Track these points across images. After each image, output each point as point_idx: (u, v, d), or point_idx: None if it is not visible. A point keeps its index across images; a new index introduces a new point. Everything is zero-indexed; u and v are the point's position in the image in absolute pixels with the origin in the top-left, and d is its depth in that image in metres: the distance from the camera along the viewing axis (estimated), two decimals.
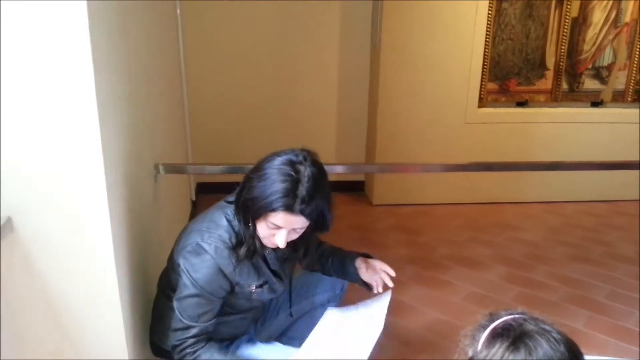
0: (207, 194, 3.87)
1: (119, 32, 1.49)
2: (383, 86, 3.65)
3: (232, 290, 1.50)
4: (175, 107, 3.13)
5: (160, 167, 1.98)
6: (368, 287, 1.76)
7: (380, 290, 1.74)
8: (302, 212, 1.34)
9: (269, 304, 1.80)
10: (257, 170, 1.39)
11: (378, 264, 1.76)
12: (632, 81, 3.96)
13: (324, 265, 1.84)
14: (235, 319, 1.62)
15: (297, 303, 1.80)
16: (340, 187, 4.12)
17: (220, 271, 1.44)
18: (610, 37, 3.85)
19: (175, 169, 2.34)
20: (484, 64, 3.71)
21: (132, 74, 1.68)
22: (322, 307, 1.82)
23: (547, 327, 0.90)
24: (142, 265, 1.66)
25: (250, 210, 1.38)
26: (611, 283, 2.86)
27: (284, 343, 1.75)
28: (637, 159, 3.72)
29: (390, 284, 1.72)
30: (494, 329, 0.92)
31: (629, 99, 4.00)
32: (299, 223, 1.37)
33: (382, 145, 3.78)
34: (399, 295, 2.66)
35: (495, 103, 3.87)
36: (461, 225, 3.62)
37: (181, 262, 1.45)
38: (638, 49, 3.87)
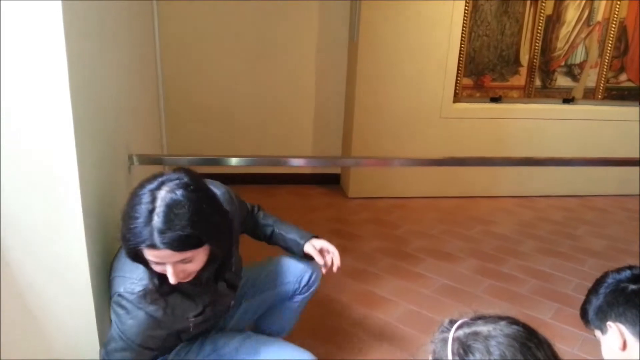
0: None
1: (93, 24, 1.47)
2: (360, 80, 3.67)
3: (171, 331, 1.42)
4: (151, 100, 3.09)
5: (134, 158, 1.96)
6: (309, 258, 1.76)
7: (322, 262, 1.72)
8: (166, 245, 1.18)
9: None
10: (125, 205, 1.25)
11: (331, 248, 1.74)
12: (603, 79, 4.04)
13: (266, 237, 1.81)
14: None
15: (258, 293, 1.76)
16: (316, 180, 4.14)
17: (150, 319, 1.33)
18: (583, 35, 3.92)
19: (149, 160, 2.31)
20: (459, 60, 3.75)
21: (106, 66, 1.66)
22: (290, 300, 1.80)
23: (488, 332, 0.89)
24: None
25: (127, 247, 1.24)
26: (579, 276, 2.93)
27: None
28: (608, 156, 3.82)
29: (335, 269, 1.72)
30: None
31: (600, 96, 4.09)
32: (175, 256, 1.21)
33: (358, 139, 3.79)
34: (373, 287, 2.69)
35: (470, 98, 3.92)
36: (436, 218, 3.67)
37: (112, 312, 1.35)
38: (609, 48, 3.96)
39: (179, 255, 1.21)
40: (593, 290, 1.37)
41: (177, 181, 1.23)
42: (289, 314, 1.86)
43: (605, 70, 4.02)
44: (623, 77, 4.10)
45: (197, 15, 3.63)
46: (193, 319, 1.44)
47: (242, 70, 3.81)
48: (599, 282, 1.37)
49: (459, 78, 3.80)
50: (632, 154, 3.85)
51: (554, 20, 3.84)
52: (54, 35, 1.12)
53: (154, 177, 1.25)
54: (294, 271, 1.78)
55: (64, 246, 1.27)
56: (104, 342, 1.38)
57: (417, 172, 3.94)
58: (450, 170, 3.95)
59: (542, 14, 3.78)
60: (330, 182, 4.18)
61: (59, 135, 1.19)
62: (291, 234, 1.76)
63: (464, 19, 3.64)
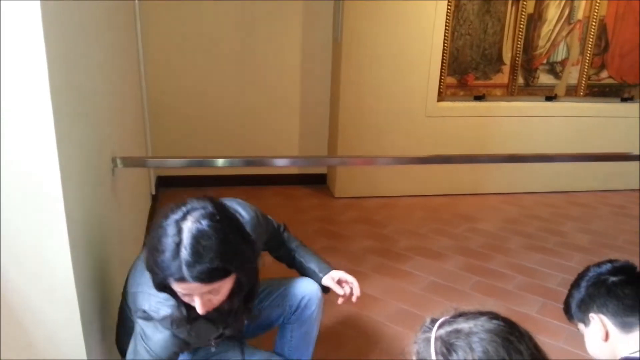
0: (168, 187, 3.82)
1: (73, 25, 1.46)
2: (345, 80, 3.67)
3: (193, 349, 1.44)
4: (134, 102, 3.07)
5: (118, 161, 1.95)
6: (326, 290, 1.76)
7: (341, 293, 1.72)
8: (195, 279, 1.18)
9: None
10: (149, 235, 1.26)
11: (350, 279, 1.75)
12: (585, 76, 4.09)
13: (288, 265, 1.82)
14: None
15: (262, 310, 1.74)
16: (302, 180, 4.14)
17: (175, 339, 1.35)
18: (564, 33, 3.97)
19: (133, 162, 2.31)
20: (443, 59, 3.77)
21: (88, 67, 1.65)
22: (287, 325, 1.77)
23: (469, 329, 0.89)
24: (101, 261, 1.63)
25: (155, 279, 1.25)
26: (565, 271, 2.96)
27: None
28: (591, 151, 3.87)
29: (354, 299, 1.73)
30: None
31: (582, 93, 4.14)
32: (204, 288, 1.22)
33: (343, 138, 3.80)
34: (362, 287, 2.69)
35: (454, 97, 3.94)
36: (423, 216, 3.69)
37: (137, 324, 1.36)
38: (590, 45, 4.01)
39: (207, 287, 1.22)
40: (575, 285, 1.39)
41: (202, 211, 1.22)
42: (296, 343, 1.81)
43: (586, 67, 4.07)
44: (604, 74, 4.15)
45: (180, 17, 3.61)
46: (214, 340, 1.46)
47: (226, 72, 3.80)
48: (580, 276, 1.39)
49: (442, 77, 3.82)
50: (615, 149, 3.90)
51: (536, 19, 3.88)
52: (33, 35, 1.11)
53: (177, 207, 1.24)
54: (286, 292, 1.74)
55: (47, 250, 1.26)
56: (127, 355, 1.39)
57: (404, 171, 3.96)
58: (436, 168, 3.97)
59: (523, 13, 3.82)
60: (317, 182, 4.18)
61: (39, 137, 1.17)
62: (311, 264, 1.77)
63: (446, 18, 3.66)
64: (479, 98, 3.99)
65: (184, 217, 1.21)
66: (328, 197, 3.99)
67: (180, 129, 3.83)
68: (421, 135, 3.86)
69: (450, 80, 3.89)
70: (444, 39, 3.72)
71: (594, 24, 3.94)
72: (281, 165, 3.50)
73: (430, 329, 0.92)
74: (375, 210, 3.76)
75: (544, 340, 2.31)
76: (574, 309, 1.38)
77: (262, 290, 1.72)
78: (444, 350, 0.87)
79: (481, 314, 0.92)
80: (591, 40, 3.99)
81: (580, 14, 3.93)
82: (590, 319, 1.33)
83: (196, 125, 3.86)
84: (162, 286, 1.26)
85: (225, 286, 1.26)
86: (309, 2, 3.75)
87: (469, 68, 3.90)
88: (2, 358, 1.24)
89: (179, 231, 1.18)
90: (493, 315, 0.92)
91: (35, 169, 1.19)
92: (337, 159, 3.74)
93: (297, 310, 1.72)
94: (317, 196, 3.99)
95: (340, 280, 1.75)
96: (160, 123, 3.73)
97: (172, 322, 1.32)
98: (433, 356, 0.89)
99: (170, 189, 3.81)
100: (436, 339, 0.90)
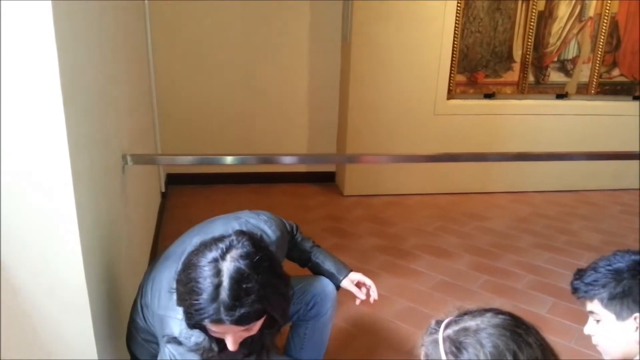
0: (177, 185, 3.84)
1: (84, 23, 1.46)
2: (354, 78, 3.67)
3: None
4: (144, 100, 3.08)
5: (128, 158, 1.95)
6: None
7: (362, 297, 1.73)
8: (234, 322, 1.16)
9: None
10: (183, 273, 1.22)
11: (367, 281, 1.75)
12: (596, 74, 4.06)
13: (302, 266, 1.83)
14: None
15: None
16: (311, 178, 4.14)
17: None
18: (575, 31, 3.93)
19: (143, 159, 2.31)
20: (452, 56, 3.75)
21: (99, 65, 1.65)
22: (298, 326, 1.77)
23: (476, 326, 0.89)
24: (111, 259, 1.63)
25: (188, 319, 1.23)
26: (575, 270, 2.94)
27: None
28: (602, 150, 3.83)
29: (371, 301, 1.74)
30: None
31: (593, 91, 4.10)
32: (240, 328, 1.21)
33: (352, 136, 3.79)
34: None
35: (463, 95, 3.92)
36: (431, 215, 3.67)
37: (164, 347, 1.35)
38: (601, 43, 3.97)
39: (243, 328, 1.21)
40: (614, 271, 1.25)
41: (240, 250, 1.18)
42: (308, 343, 1.80)
43: (597, 65, 4.03)
44: (615, 72, 4.11)
45: (189, 15, 3.62)
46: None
47: (235, 70, 3.80)
48: (617, 264, 1.25)
49: (452, 75, 3.81)
50: (626, 148, 3.86)
51: (546, 16, 3.85)
52: (44, 34, 1.11)
53: (213, 243, 1.21)
54: (304, 288, 1.73)
55: (58, 248, 1.26)
56: None
57: (412, 169, 3.95)
58: (445, 166, 3.96)
59: (534, 10, 3.79)
60: (326, 180, 4.17)
61: (51, 135, 1.17)
62: (327, 265, 1.77)
63: (456, 16, 3.64)
64: (489, 96, 3.96)
65: (222, 257, 1.17)
66: (336, 195, 3.98)
67: (189, 126, 3.84)
68: (430, 133, 3.85)
69: (460, 78, 3.87)
70: (454, 37, 3.70)
71: (605, 21, 3.91)
72: (290, 162, 3.49)
73: (437, 330, 0.92)
74: (383, 208, 3.76)
75: (555, 340, 2.29)
76: (608, 296, 1.24)
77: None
78: (454, 350, 0.87)
79: (485, 310, 0.92)
80: (602, 37, 3.95)
81: (591, 11, 3.90)
82: (633, 319, 1.21)
83: (205, 124, 3.86)
84: (195, 325, 1.24)
85: (259, 324, 1.25)
86: (318, 2, 3.74)
87: (479, 66, 3.88)
88: (12, 359, 1.25)
89: (218, 272, 1.15)
90: (498, 311, 0.92)
91: (47, 167, 1.20)
92: (346, 157, 3.73)
93: (312, 309, 1.72)
94: (326, 194, 3.98)
95: (358, 283, 1.75)
96: (170, 121, 3.74)
97: (203, 351, 1.31)
98: (443, 356, 0.88)
99: (180, 187, 3.83)
100: (444, 339, 0.89)
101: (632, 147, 3.84)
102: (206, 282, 1.15)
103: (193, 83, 3.78)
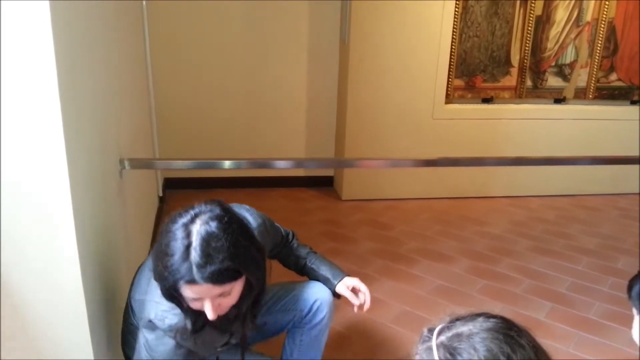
0: (175, 189, 3.83)
1: (83, 26, 1.46)
2: (352, 82, 3.67)
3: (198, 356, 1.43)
4: (141, 103, 3.08)
5: (126, 162, 1.95)
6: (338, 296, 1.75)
7: (357, 303, 1.71)
8: (206, 279, 1.17)
9: None
10: (157, 242, 1.25)
11: (363, 287, 1.73)
12: (594, 79, 4.06)
13: (299, 272, 1.80)
14: None
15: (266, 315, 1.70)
16: (309, 182, 4.13)
17: (180, 348, 1.35)
18: (573, 35, 3.94)
19: (141, 164, 2.31)
20: (450, 61, 3.75)
21: (96, 69, 1.65)
22: (286, 327, 1.74)
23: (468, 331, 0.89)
24: (107, 263, 1.63)
25: (163, 285, 1.24)
26: (573, 275, 2.94)
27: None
28: (600, 155, 3.84)
29: (364, 309, 1.73)
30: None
31: (591, 96, 4.11)
32: (215, 290, 1.21)
33: (351, 140, 3.79)
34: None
35: (461, 99, 3.93)
36: (429, 219, 3.67)
37: (141, 333, 1.36)
38: (599, 48, 3.98)
39: (218, 289, 1.21)
40: None
41: (210, 213, 1.22)
42: (304, 349, 1.78)
43: (595, 70, 4.04)
44: (613, 76, 4.12)
45: (187, 17, 3.62)
46: (220, 349, 1.46)
47: (232, 73, 3.80)
48: None
49: (450, 79, 3.81)
50: (624, 152, 3.87)
51: (544, 21, 3.86)
52: (42, 36, 1.11)
53: (185, 211, 1.24)
54: (299, 295, 1.72)
55: (54, 251, 1.26)
56: None
57: (410, 173, 3.95)
58: (444, 171, 3.96)
59: (531, 15, 3.80)
60: (324, 184, 4.17)
61: (48, 139, 1.17)
62: (323, 270, 1.75)
63: (454, 20, 3.65)
64: (486, 100, 3.97)
65: (192, 220, 1.21)
66: (334, 200, 3.98)
67: (187, 130, 3.84)
68: (428, 138, 3.85)
69: (458, 82, 3.87)
70: (452, 41, 3.70)
71: (603, 25, 3.92)
72: (287, 167, 3.50)
73: (430, 338, 0.91)
74: (381, 212, 3.75)
75: (553, 345, 2.29)
76: None
77: (272, 295, 1.71)
78: (448, 356, 0.87)
79: (477, 315, 0.92)
80: (600, 42, 3.96)
81: (589, 16, 3.91)
82: None
83: (203, 127, 3.86)
84: (171, 293, 1.25)
85: (235, 289, 1.26)
86: (316, 4, 3.75)
87: (477, 70, 3.88)
88: (8, 359, 1.25)
89: (188, 234, 1.18)
90: (489, 315, 0.92)
91: (44, 171, 1.19)
92: (343, 161, 3.73)
93: (307, 315, 1.70)
94: (324, 198, 3.98)
95: (354, 289, 1.73)
96: (168, 125, 3.74)
97: (177, 332, 1.32)
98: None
99: (177, 191, 3.82)
100: (438, 346, 0.89)
101: (630, 152, 3.85)
102: (177, 244, 1.18)
103: (190, 87, 3.77)
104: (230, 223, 1.23)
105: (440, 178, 4.01)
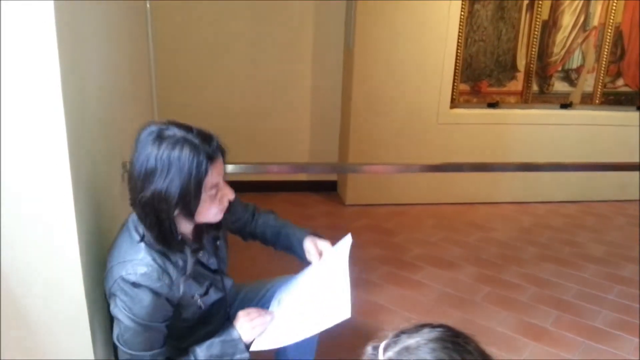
0: None
1: (87, 28, 1.45)
2: (356, 86, 3.65)
3: (177, 309, 1.40)
4: (145, 107, 3.07)
5: (129, 166, 1.93)
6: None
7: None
8: (220, 150, 1.34)
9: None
10: (151, 174, 1.24)
11: (327, 247, 1.72)
12: (600, 84, 4.03)
13: (264, 235, 1.77)
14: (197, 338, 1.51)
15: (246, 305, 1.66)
16: (312, 186, 4.11)
17: (158, 296, 1.31)
18: (579, 40, 3.92)
19: None
20: (456, 65, 3.73)
21: (100, 72, 1.64)
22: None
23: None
24: None
25: (185, 203, 1.25)
26: (580, 283, 2.90)
27: None
28: (607, 160, 3.80)
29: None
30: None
31: (597, 101, 4.08)
32: (221, 167, 1.35)
33: (355, 145, 3.77)
34: (371, 296, 2.66)
35: (467, 104, 3.90)
36: (434, 225, 3.64)
37: (115, 301, 1.32)
38: (605, 53, 3.95)
39: (222, 166, 1.35)
40: None
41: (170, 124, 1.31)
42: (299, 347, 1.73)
43: (602, 75, 4.01)
44: (620, 82, 4.09)
45: (191, 20, 3.61)
46: (200, 298, 1.43)
47: (236, 78, 3.79)
48: None
49: (455, 84, 3.79)
50: (631, 158, 3.83)
51: (550, 26, 3.84)
52: (46, 39, 1.09)
53: (148, 126, 1.29)
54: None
55: (57, 255, 1.25)
56: (115, 338, 1.35)
57: (415, 178, 3.92)
58: (449, 176, 3.93)
59: (538, 19, 3.78)
60: (327, 189, 4.15)
61: (51, 143, 1.16)
62: (294, 232, 1.80)
63: (459, 25, 3.63)
64: (492, 105, 3.94)
65: (167, 128, 1.28)
66: (338, 205, 3.95)
67: None
68: (433, 142, 3.82)
69: (463, 87, 3.85)
70: (457, 46, 3.68)
71: (609, 31, 3.89)
72: (290, 172, 3.48)
73: (376, 355, 0.89)
74: (386, 218, 3.72)
75: (558, 354, 2.26)
76: None
77: (266, 291, 1.71)
78: None
79: (421, 326, 0.91)
80: (607, 47, 3.93)
81: (595, 21, 3.88)
82: None
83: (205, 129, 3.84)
84: (169, 231, 1.29)
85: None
86: (321, 7, 3.74)
87: (483, 75, 3.86)
88: (3, 359, 1.24)
89: (175, 141, 1.24)
90: (433, 325, 0.91)
91: (47, 174, 1.18)
92: (347, 166, 3.71)
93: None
94: (327, 203, 3.95)
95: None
96: None
97: (151, 274, 1.29)
98: None
99: None
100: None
101: (637, 158, 3.81)
102: (175, 151, 1.23)
103: (193, 90, 3.76)
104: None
105: (446, 183, 3.98)
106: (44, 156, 1.17)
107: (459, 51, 3.71)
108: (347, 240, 1.72)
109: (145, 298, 1.29)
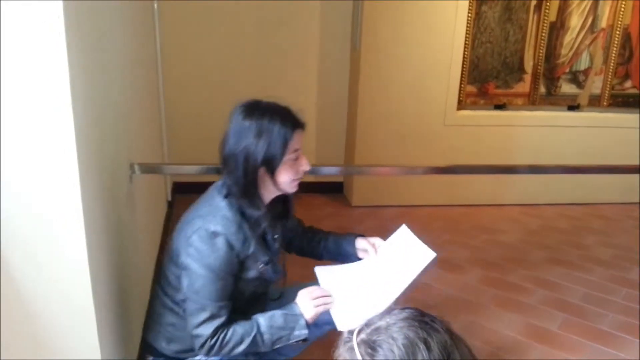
0: (183, 194, 3.82)
1: (95, 32, 1.46)
2: (363, 87, 3.65)
3: (241, 270, 1.49)
4: (152, 108, 3.08)
5: (136, 167, 1.95)
6: None
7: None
8: (302, 122, 1.55)
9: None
10: (245, 134, 1.47)
11: (380, 242, 1.84)
12: (608, 86, 4.01)
13: (314, 249, 1.85)
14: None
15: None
16: (318, 188, 4.09)
17: (231, 249, 1.43)
18: (587, 42, 3.90)
19: (151, 168, 2.30)
20: (463, 67, 3.72)
21: (108, 73, 1.65)
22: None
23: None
24: (117, 266, 1.62)
25: (270, 162, 1.45)
26: (587, 286, 2.89)
27: None
28: (614, 163, 3.78)
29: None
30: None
31: (605, 103, 4.06)
32: (302, 136, 1.54)
33: (361, 146, 3.77)
34: None
35: (474, 106, 3.89)
36: (440, 227, 3.63)
37: (189, 251, 1.42)
38: (614, 54, 3.93)
39: (302, 137, 1.55)
40: None
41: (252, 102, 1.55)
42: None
43: (610, 77, 3.99)
44: (628, 84, 4.07)
45: (198, 21, 3.62)
46: (262, 266, 1.53)
47: (243, 78, 3.79)
48: None
49: (462, 85, 3.78)
50: (638, 161, 3.80)
51: (558, 27, 3.82)
52: (55, 41, 1.10)
53: (241, 104, 1.57)
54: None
55: (65, 255, 1.25)
56: (185, 289, 1.45)
57: (422, 180, 3.91)
58: (455, 178, 3.92)
59: (545, 21, 3.76)
60: (333, 190, 4.14)
61: (60, 144, 1.16)
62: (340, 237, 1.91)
63: (467, 26, 3.62)
64: (499, 107, 3.93)
65: (252, 106, 1.54)
66: (345, 206, 3.95)
67: (197, 135, 3.82)
68: (440, 144, 3.82)
69: (470, 88, 3.84)
70: (464, 47, 3.67)
71: (617, 32, 3.87)
72: None
73: (351, 339, 0.93)
74: (392, 219, 3.72)
75: (565, 357, 2.25)
76: None
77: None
78: (369, 351, 0.88)
79: (392, 309, 0.96)
80: (615, 49, 3.91)
81: (603, 23, 3.86)
82: None
83: (212, 132, 3.83)
84: (254, 184, 1.47)
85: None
86: (327, 9, 3.74)
87: (490, 76, 3.85)
88: (3, 359, 1.24)
89: (265, 110, 1.50)
90: (403, 307, 0.96)
91: (55, 174, 1.19)
92: (354, 168, 3.71)
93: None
94: (334, 205, 3.95)
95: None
96: (177, 129, 3.74)
97: (231, 227, 1.43)
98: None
99: (186, 196, 3.79)
100: (359, 344, 0.91)
101: None
102: (269, 121, 1.47)
103: (200, 91, 3.77)
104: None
105: (452, 185, 3.97)
106: (52, 156, 1.17)
107: (466, 52, 3.70)
108: (402, 230, 1.91)
109: (222, 248, 1.42)
